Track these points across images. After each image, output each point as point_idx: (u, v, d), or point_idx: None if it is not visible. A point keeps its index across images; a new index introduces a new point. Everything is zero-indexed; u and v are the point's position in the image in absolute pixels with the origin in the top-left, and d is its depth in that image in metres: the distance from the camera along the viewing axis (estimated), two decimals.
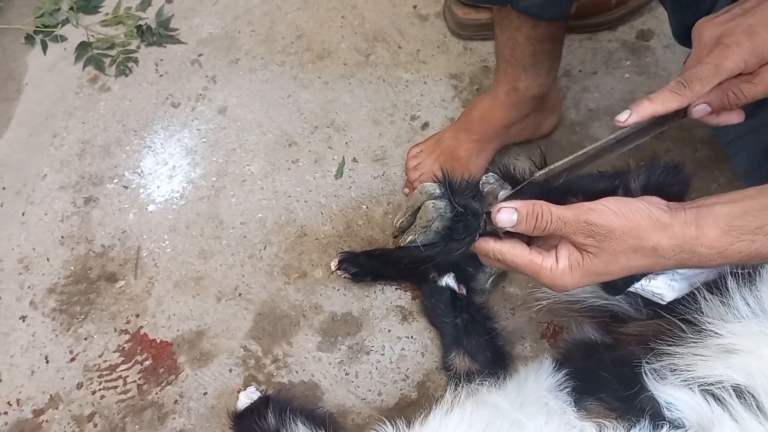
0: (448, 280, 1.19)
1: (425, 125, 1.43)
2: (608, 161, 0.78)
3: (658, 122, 0.75)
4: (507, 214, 0.68)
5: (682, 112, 0.76)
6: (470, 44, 1.51)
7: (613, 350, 0.92)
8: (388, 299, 1.26)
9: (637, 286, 0.79)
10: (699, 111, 0.74)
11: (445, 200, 0.70)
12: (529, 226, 0.68)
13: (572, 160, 0.74)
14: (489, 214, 0.70)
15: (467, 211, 0.70)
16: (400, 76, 1.50)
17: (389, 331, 1.23)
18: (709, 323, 0.77)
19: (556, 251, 0.70)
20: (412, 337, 1.22)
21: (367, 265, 1.25)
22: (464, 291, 1.20)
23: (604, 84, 1.40)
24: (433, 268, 1.21)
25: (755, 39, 0.70)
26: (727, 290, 0.78)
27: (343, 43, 1.56)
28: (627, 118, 0.70)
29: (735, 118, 0.77)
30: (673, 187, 0.86)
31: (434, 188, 0.71)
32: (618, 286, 0.80)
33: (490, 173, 0.75)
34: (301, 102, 1.50)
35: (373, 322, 1.24)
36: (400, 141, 1.42)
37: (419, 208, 0.71)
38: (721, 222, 0.65)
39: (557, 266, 0.69)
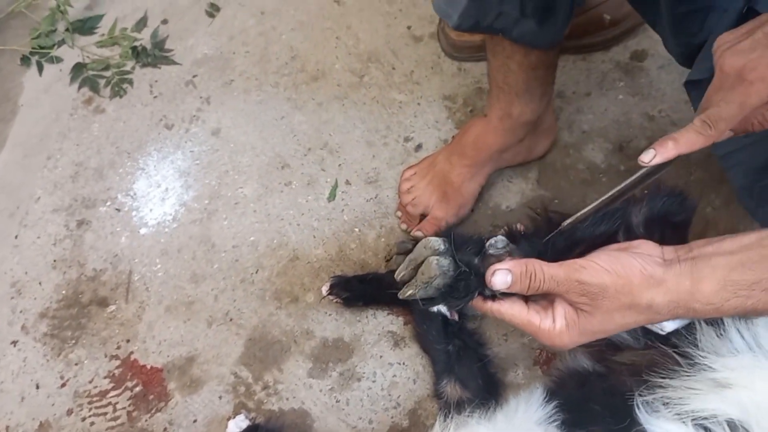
0: (440, 306, 1.18)
1: (419, 147, 1.42)
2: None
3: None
4: (501, 276, 0.68)
5: None
6: (464, 65, 1.50)
7: (605, 380, 0.91)
8: (380, 324, 1.25)
9: None
10: (723, 137, 0.73)
11: (449, 258, 0.70)
12: (523, 286, 0.68)
13: (597, 205, 0.74)
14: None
15: (470, 272, 0.70)
16: (394, 97, 1.49)
17: (381, 357, 1.22)
18: (703, 357, 0.76)
19: (553, 310, 0.70)
20: (403, 364, 1.21)
21: (358, 290, 1.24)
22: (456, 317, 1.18)
23: (597, 105, 1.39)
24: None
25: None
26: (723, 323, 0.77)
27: (338, 64, 1.56)
28: (651, 159, 0.69)
29: None
30: (678, 216, 0.85)
31: (439, 244, 0.71)
32: None
33: (500, 238, 0.74)
34: (295, 123, 1.50)
35: (365, 348, 1.23)
36: (393, 163, 1.41)
37: (422, 262, 0.71)
38: (719, 274, 0.64)
39: (555, 327, 0.69)
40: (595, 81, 1.42)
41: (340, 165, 1.43)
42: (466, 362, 1.14)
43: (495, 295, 0.72)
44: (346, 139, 1.46)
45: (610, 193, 0.73)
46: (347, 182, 1.41)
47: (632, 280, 0.65)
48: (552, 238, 0.74)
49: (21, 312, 1.35)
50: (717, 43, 0.75)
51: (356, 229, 1.35)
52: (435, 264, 0.69)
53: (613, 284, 0.65)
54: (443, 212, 1.28)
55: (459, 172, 1.25)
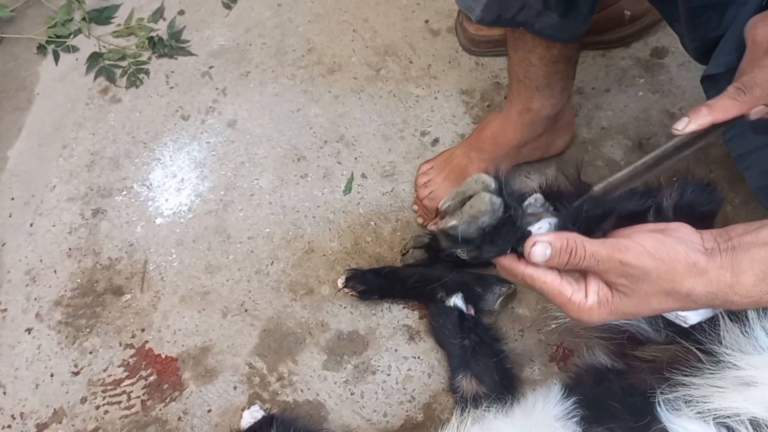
0: (456, 301, 1.17)
1: (435, 141, 1.42)
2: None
3: (715, 125, 0.71)
4: (541, 248, 0.65)
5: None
6: (482, 60, 1.49)
7: (624, 378, 0.91)
8: (395, 318, 1.25)
9: None
10: (757, 113, 0.71)
11: (500, 197, 0.66)
12: (562, 261, 0.66)
13: (631, 171, 0.71)
14: (523, 236, 0.68)
15: (520, 218, 0.67)
16: (411, 91, 1.49)
17: (396, 350, 1.22)
18: (727, 354, 0.75)
19: (586, 284, 0.68)
20: (419, 358, 1.21)
21: (374, 283, 1.24)
22: (472, 311, 1.18)
23: (617, 102, 1.39)
24: (441, 288, 1.19)
25: None
26: (748, 320, 0.76)
27: (354, 56, 1.56)
28: (685, 126, 0.67)
29: None
30: (705, 207, 0.85)
31: (491, 181, 0.67)
32: None
33: (538, 195, 0.71)
34: (311, 116, 1.49)
35: (380, 341, 1.22)
36: (409, 157, 1.41)
37: (470, 196, 0.67)
38: (758, 268, 0.63)
39: (586, 301, 0.67)
40: (615, 77, 1.41)
41: (356, 158, 1.42)
42: (482, 357, 1.14)
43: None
44: (363, 132, 1.45)
45: (642, 160, 0.70)
46: (363, 175, 1.40)
47: (676, 267, 0.64)
48: (583, 202, 0.71)
49: (35, 300, 1.35)
50: (748, 24, 0.74)
51: (372, 223, 1.35)
52: (488, 200, 0.65)
53: (656, 269, 0.64)
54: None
55: (477, 166, 1.25)
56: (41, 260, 1.39)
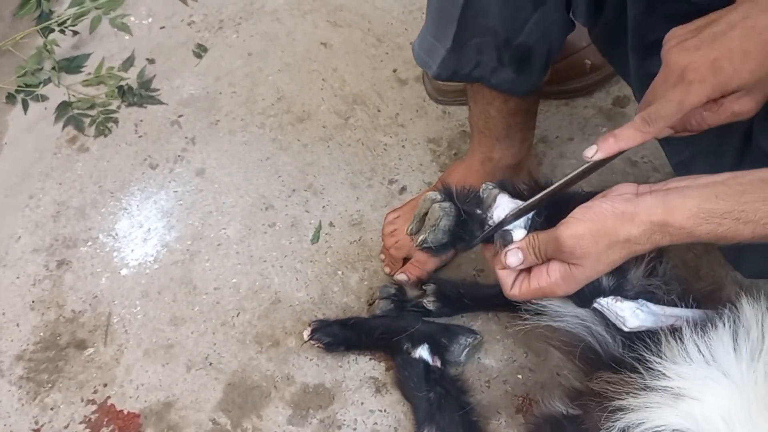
0: (422, 352, 1.17)
1: (403, 189, 1.43)
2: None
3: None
4: (513, 255, 0.77)
5: None
6: (449, 109, 1.51)
7: (580, 423, 0.92)
8: (362, 370, 1.23)
9: (603, 303, 0.84)
10: (664, 134, 0.78)
11: (449, 201, 0.79)
12: (533, 257, 0.76)
13: (541, 197, 0.79)
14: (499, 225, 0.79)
15: (469, 210, 0.79)
16: (379, 139, 1.50)
17: (362, 403, 1.20)
18: (657, 363, 0.78)
19: (548, 268, 0.76)
20: (385, 411, 1.19)
21: (340, 335, 1.23)
22: (438, 363, 1.18)
23: (580, 150, 1.38)
24: (407, 339, 1.19)
25: (719, 75, 0.71)
26: (682, 334, 0.79)
27: (323, 105, 1.57)
28: (593, 154, 0.76)
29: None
30: None
31: (436, 195, 0.81)
32: (585, 296, 0.84)
33: (489, 182, 0.82)
34: (280, 164, 1.50)
35: (346, 394, 1.21)
36: (377, 205, 1.41)
37: (426, 213, 0.80)
38: (690, 203, 0.67)
39: (550, 279, 0.75)
40: (578, 126, 1.44)
41: (324, 207, 1.43)
42: (448, 410, 1.13)
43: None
44: (331, 180, 1.46)
45: (553, 186, 0.79)
46: (331, 224, 1.40)
47: (605, 222, 0.70)
48: (488, 232, 0.80)
49: None
50: (667, 37, 0.77)
51: (339, 272, 1.34)
52: (438, 207, 0.78)
53: (589, 231, 0.70)
54: (426, 255, 1.28)
55: None
56: (4, 314, 1.37)
